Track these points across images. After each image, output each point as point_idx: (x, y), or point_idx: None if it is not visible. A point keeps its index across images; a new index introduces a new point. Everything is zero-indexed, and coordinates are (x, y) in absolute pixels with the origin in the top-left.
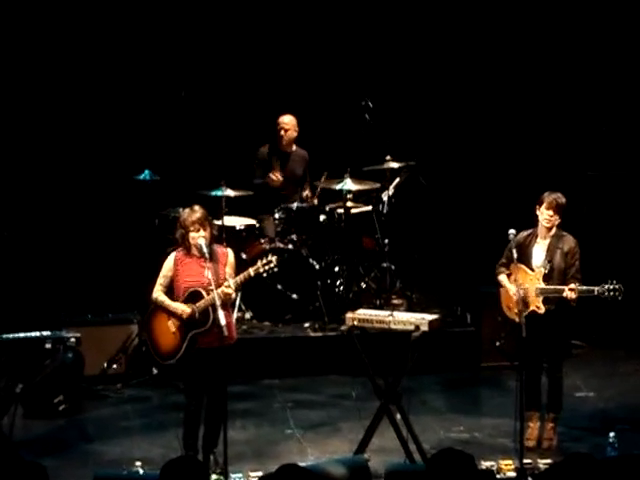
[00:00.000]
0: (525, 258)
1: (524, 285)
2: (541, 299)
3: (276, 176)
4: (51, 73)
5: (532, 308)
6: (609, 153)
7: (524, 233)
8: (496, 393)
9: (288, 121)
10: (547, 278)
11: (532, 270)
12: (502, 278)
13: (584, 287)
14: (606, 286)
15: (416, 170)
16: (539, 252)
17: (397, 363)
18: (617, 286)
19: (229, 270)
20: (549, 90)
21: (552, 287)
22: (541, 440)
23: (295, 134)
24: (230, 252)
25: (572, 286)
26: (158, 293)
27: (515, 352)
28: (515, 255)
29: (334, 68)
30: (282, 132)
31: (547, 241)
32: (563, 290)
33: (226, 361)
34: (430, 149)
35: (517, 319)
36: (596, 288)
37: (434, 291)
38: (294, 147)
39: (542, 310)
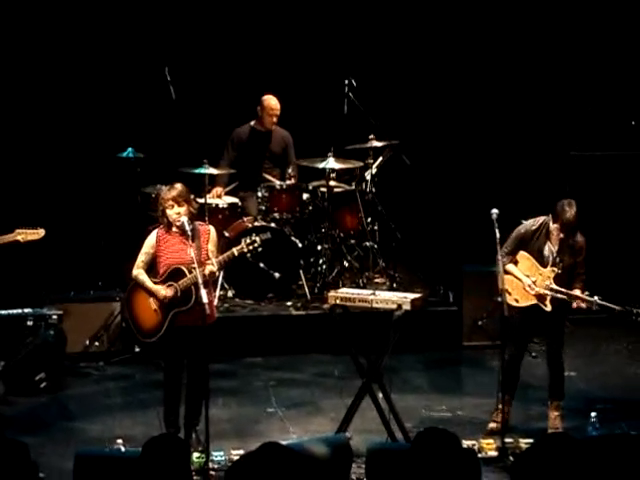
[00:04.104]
0: (534, 252)
1: (532, 277)
2: (549, 298)
3: (218, 193)
4: (33, 51)
5: (536, 302)
6: (593, 133)
7: (533, 225)
8: (478, 372)
9: (278, 105)
10: (557, 277)
11: (543, 266)
12: (512, 269)
13: (604, 303)
14: (629, 308)
15: (399, 149)
16: (550, 249)
17: (379, 342)
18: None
19: (211, 247)
20: (533, 69)
21: (563, 290)
22: (547, 429)
23: None
24: (212, 229)
25: (580, 295)
26: (139, 271)
27: (499, 332)
28: (516, 243)
29: (318, 46)
30: (275, 118)
31: (558, 240)
32: (573, 296)
33: (206, 339)
34: (413, 128)
35: (515, 304)
36: (617, 308)
37: (417, 270)
38: (274, 126)
39: (549, 308)
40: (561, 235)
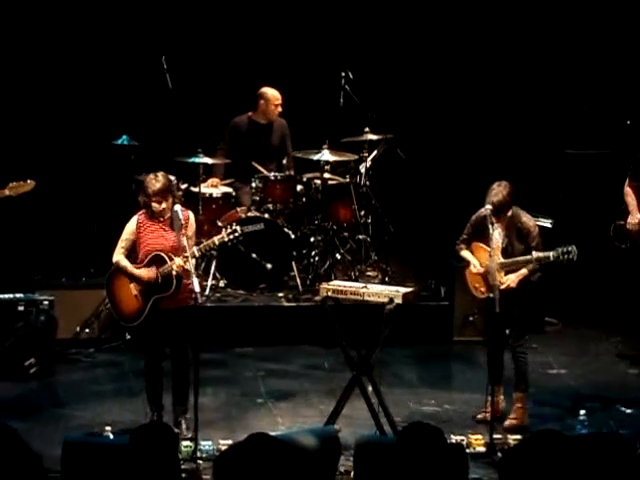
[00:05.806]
0: (485, 239)
1: (485, 263)
2: (503, 273)
3: (214, 183)
4: (30, 38)
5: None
6: (588, 131)
7: (484, 212)
8: (468, 368)
9: (280, 95)
10: (506, 255)
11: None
12: (465, 254)
13: (541, 254)
14: (559, 249)
15: (394, 143)
16: (499, 232)
17: (370, 335)
18: (571, 248)
19: (189, 233)
20: (529, 67)
21: (511, 260)
22: (506, 418)
23: None
24: (191, 215)
25: (520, 258)
26: (120, 257)
27: (484, 328)
28: (470, 231)
29: (314, 38)
30: (280, 108)
31: (505, 222)
32: (523, 262)
33: (187, 322)
34: (409, 122)
35: (481, 296)
36: (551, 253)
37: (409, 264)
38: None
39: (504, 285)
40: (493, 218)
